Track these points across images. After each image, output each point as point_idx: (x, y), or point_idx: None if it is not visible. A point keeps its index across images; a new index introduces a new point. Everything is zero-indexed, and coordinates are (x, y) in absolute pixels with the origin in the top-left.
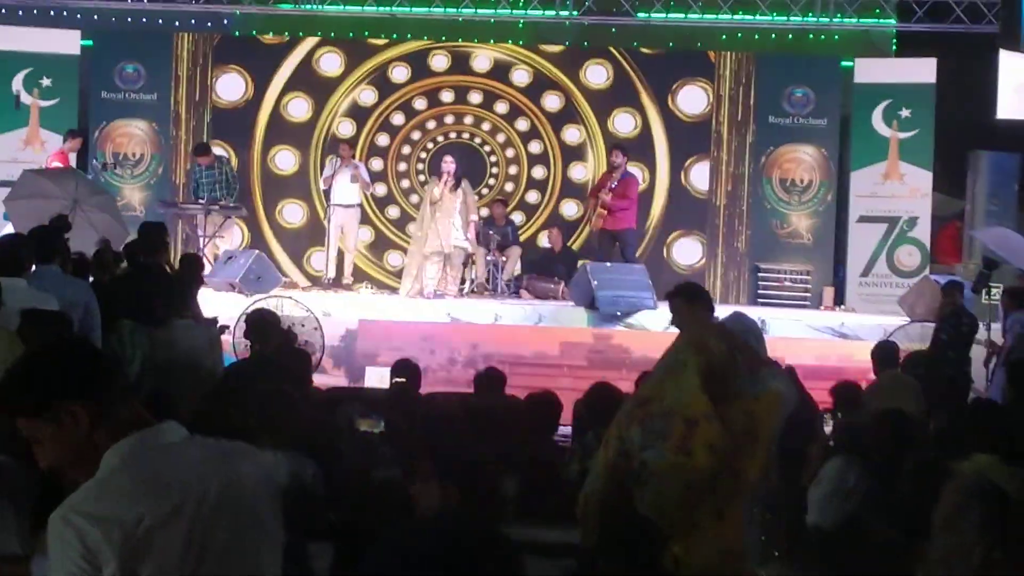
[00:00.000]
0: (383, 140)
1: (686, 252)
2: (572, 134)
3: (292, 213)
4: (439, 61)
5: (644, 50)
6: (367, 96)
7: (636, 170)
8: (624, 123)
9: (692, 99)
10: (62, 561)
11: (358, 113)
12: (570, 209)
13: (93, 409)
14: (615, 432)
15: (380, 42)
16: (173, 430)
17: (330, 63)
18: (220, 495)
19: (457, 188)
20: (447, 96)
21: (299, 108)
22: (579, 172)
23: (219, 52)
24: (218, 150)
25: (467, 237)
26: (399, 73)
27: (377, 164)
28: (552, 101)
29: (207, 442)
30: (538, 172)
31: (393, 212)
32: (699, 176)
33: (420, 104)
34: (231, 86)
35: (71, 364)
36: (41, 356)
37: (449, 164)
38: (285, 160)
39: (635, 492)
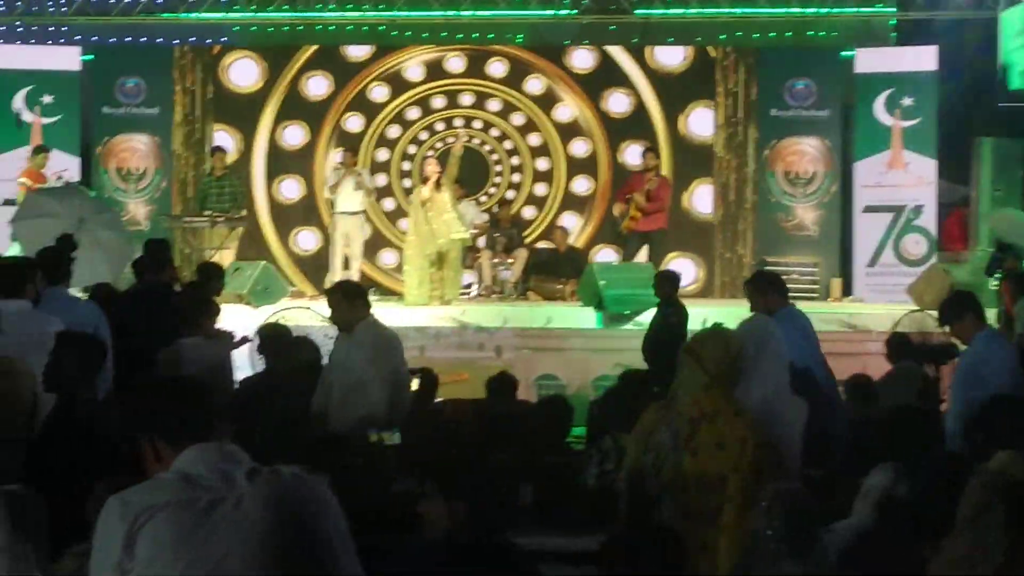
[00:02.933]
0: (393, 133)
1: (700, 200)
2: (563, 112)
3: (290, 189)
4: (452, 64)
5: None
6: (379, 92)
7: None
8: (618, 103)
9: (699, 121)
10: (99, 538)
11: (368, 110)
12: (580, 185)
13: (158, 441)
14: (641, 436)
15: (369, 53)
16: (235, 451)
17: (318, 86)
18: (238, 509)
19: (441, 187)
20: (438, 102)
21: (295, 135)
22: (579, 147)
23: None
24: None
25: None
26: (410, 74)
27: (383, 155)
28: (534, 84)
29: (254, 465)
30: (541, 181)
31: (389, 205)
32: (701, 198)
33: (412, 114)
34: (243, 72)
35: (144, 402)
36: (127, 393)
37: (434, 167)
38: (293, 135)
39: (662, 500)
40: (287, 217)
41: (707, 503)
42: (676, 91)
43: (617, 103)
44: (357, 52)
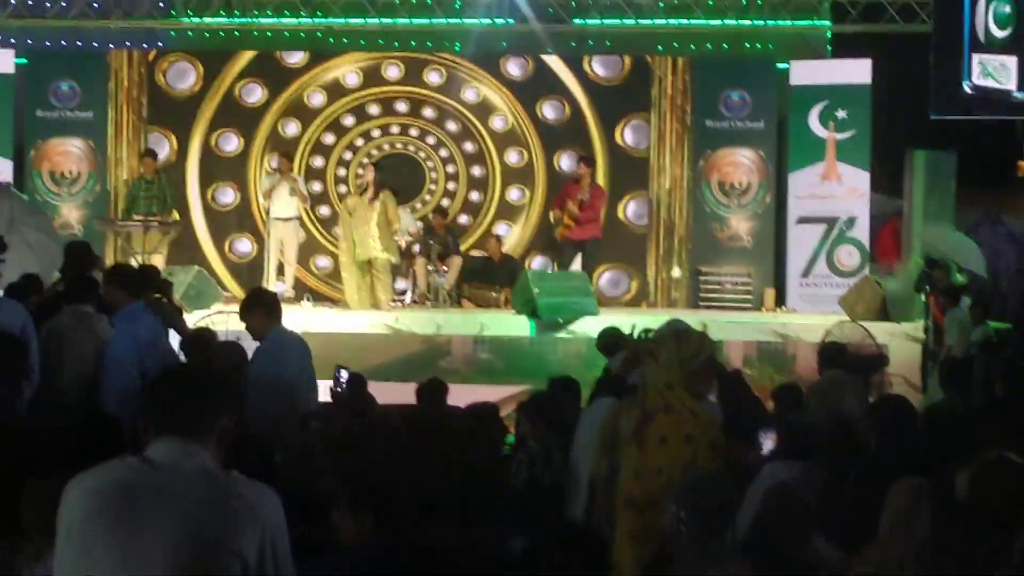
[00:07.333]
0: (329, 140)
1: (634, 212)
2: (498, 121)
3: (225, 195)
4: (389, 71)
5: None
6: (316, 99)
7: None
8: (551, 110)
9: (636, 132)
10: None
11: (304, 116)
12: (514, 194)
13: (148, 426)
14: (609, 427)
15: (304, 60)
16: (195, 451)
17: (254, 93)
18: (172, 500)
19: (375, 199)
20: (374, 109)
21: (230, 142)
22: (514, 156)
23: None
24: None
25: (399, 245)
26: (347, 81)
27: (319, 161)
28: (472, 93)
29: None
30: (476, 190)
31: (324, 211)
32: (636, 136)
33: (348, 121)
34: (180, 75)
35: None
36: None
37: (367, 175)
38: (228, 141)
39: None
40: (222, 223)
41: (643, 493)
42: (612, 102)
43: (553, 111)
44: (293, 59)
